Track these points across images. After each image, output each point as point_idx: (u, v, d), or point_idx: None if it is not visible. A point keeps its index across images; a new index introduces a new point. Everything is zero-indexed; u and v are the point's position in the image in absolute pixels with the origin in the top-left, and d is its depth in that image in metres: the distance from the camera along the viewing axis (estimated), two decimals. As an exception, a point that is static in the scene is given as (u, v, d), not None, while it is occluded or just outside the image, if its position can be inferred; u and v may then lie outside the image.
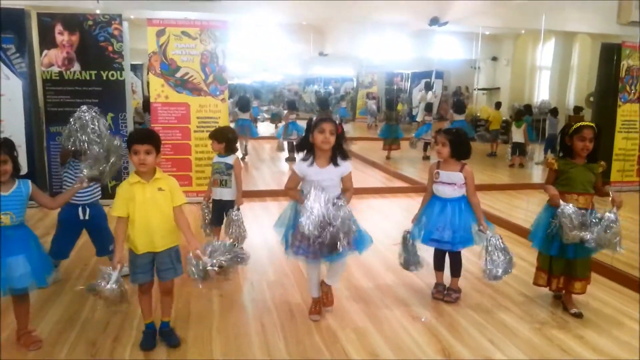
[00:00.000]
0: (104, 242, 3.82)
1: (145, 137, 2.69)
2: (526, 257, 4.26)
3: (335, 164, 3.08)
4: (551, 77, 12.85)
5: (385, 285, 3.86)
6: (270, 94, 17.50)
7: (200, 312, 3.31)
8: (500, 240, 3.32)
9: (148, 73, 6.99)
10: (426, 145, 10.15)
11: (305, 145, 3.11)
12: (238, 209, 4.28)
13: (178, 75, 6.13)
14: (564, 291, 3.46)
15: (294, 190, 3.16)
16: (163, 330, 2.92)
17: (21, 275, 2.58)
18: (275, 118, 14.49)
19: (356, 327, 3.19)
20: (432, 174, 3.54)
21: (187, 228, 2.77)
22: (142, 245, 2.72)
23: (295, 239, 3.07)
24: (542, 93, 13.49)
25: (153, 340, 2.88)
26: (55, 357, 2.75)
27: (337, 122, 3.10)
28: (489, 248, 3.30)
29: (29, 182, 2.73)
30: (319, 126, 3.02)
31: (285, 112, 10.82)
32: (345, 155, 3.14)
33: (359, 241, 3.11)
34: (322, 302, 3.33)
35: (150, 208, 2.70)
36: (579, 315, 3.35)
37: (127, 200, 2.69)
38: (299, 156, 3.20)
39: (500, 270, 3.25)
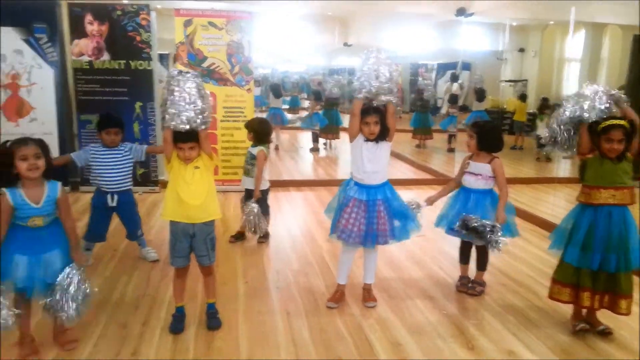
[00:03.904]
0: (132, 228, 3.95)
1: (189, 135, 2.73)
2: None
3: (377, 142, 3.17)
4: (581, 70, 12.59)
5: (409, 277, 3.88)
6: (296, 83, 17.52)
7: (227, 298, 3.36)
8: (498, 241, 3.21)
9: (175, 63, 7.08)
10: (450, 137, 10.07)
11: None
12: (255, 201, 4.27)
13: (205, 65, 6.19)
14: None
15: None
16: (209, 312, 3.04)
17: (57, 270, 2.54)
18: (295, 107, 14.52)
19: (379, 317, 3.22)
20: (464, 164, 3.54)
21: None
22: (178, 215, 2.84)
23: (340, 224, 3.17)
24: (570, 85, 13.25)
25: (182, 324, 2.96)
26: (87, 338, 2.84)
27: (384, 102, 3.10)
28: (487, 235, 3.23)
29: (59, 185, 2.60)
30: (363, 120, 3.11)
31: (309, 102, 10.88)
32: (385, 136, 3.19)
33: (401, 229, 3.24)
34: (365, 298, 3.40)
35: (188, 187, 2.80)
36: (608, 332, 3.02)
37: (177, 166, 2.81)
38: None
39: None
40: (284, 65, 19.28)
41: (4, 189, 2.47)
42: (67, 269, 2.56)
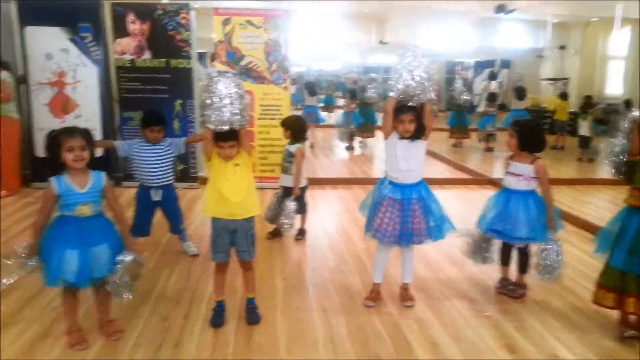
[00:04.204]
0: (175, 222, 4.03)
1: (229, 134, 2.77)
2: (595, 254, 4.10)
3: (412, 140, 3.13)
4: (625, 67, 12.18)
5: (447, 278, 3.83)
6: (331, 82, 17.50)
7: (265, 294, 3.39)
8: (557, 247, 3.25)
9: (212, 61, 7.17)
10: (488, 136, 9.89)
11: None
12: (293, 199, 4.29)
13: (242, 63, 6.25)
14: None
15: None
16: (248, 307, 3.09)
17: (104, 264, 2.59)
18: (330, 105, 14.50)
19: (417, 317, 3.19)
20: (506, 165, 3.47)
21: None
22: (220, 212, 2.89)
23: (375, 223, 3.16)
24: (613, 84, 12.85)
25: (222, 317, 3.01)
26: (130, 329, 2.91)
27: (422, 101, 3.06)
28: (544, 252, 3.25)
29: (103, 175, 2.69)
30: (398, 117, 3.07)
31: (344, 101, 10.87)
32: (421, 135, 3.14)
33: (436, 228, 3.19)
34: (402, 297, 3.39)
35: (229, 184, 2.84)
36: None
37: (217, 163, 2.85)
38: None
39: (546, 276, 3.28)
40: (320, 63, 19.30)
41: (50, 178, 2.56)
42: (121, 256, 2.64)
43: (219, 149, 2.82)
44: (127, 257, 2.64)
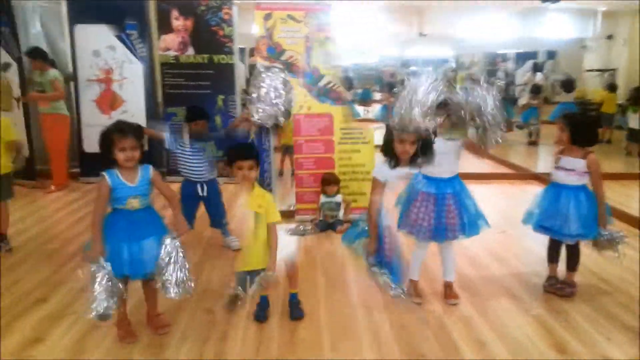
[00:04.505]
0: (218, 216, 4.11)
1: (249, 154, 2.79)
2: (648, 253, 3.96)
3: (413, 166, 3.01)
4: (679, 58, 11.64)
5: (491, 276, 3.76)
6: (368, 75, 17.37)
7: (307, 290, 3.40)
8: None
9: (251, 56, 7.23)
10: (532, 130, 9.63)
11: (387, 152, 2.99)
12: None
13: (283, 58, 6.26)
14: None
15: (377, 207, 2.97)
16: (291, 302, 3.10)
17: (153, 257, 2.62)
18: (366, 99, 14.38)
19: (462, 315, 3.15)
20: (557, 159, 3.38)
21: (274, 248, 2.82)
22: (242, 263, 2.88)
23: (410, 219, 3.13)
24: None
25: (265, 312, 3.05)
26: (177, 323, 2.98)
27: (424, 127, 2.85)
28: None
29: (150, 167, 2.75)
30: (400, 136, 2.90)
31: (381, 95, 10.77)
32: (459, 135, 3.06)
33: (470, 224, 3.13)
34: (446, 295, 3.33)
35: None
36: None
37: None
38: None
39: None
40: (357, 57, 19.15)
41: (102, 172, 2.64)
42: (167, 241, 2.66)
43: (237, 170, 2.79)
44: (169, 242, 2.65)
